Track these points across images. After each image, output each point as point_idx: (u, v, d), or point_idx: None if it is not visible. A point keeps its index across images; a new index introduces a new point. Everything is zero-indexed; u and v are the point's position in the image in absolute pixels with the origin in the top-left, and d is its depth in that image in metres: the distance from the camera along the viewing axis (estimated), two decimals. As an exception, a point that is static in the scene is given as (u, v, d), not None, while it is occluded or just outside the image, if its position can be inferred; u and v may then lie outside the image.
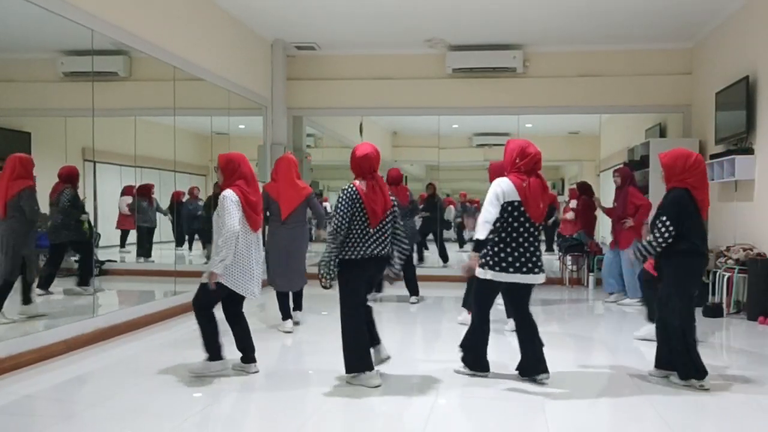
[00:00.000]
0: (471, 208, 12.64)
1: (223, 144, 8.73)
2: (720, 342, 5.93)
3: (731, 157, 7.20)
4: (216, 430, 3.52)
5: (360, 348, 4.19)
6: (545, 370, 4.27)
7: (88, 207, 6.49)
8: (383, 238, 4.21)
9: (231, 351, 4.59)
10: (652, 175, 8.38)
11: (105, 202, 7.31)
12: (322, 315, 6.75)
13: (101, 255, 7.29)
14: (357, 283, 4.20)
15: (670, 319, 4.20)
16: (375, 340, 4.38)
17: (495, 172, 4.83)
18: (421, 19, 8.28)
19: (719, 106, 7.87)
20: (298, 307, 6.26)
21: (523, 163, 4.20)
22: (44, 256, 6.08)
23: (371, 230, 4.14)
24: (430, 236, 10.94)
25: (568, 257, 9.24)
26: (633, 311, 7.01)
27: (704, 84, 8.68)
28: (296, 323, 6.12)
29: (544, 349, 4.32)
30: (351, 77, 9.92)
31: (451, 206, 13.27)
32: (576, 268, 9.29)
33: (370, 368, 4.18)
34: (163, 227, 8.60)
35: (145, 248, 8.37)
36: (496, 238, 4.18)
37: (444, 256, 10.74)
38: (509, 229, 4.17)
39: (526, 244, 4.19)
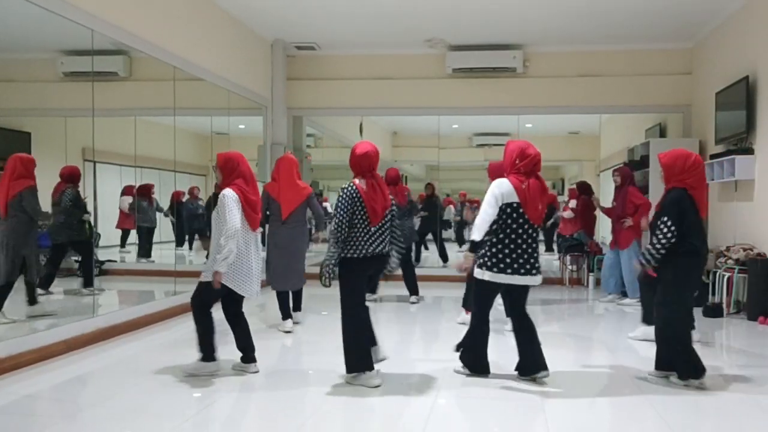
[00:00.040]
0: (471, 207, 12.63)
1: (223, 144, 8.73)
2: (720, 342, 5.94)
3: (731, 157, 7.20)
4: (216, 430, 3.52)
5: (360, 348, 4.19)
6: (544, 368, 4.27)
7: (88, 207, 6.50)
8: (384, 236, 4.23)
9: (231, 351, 4.59)
10: (652, 175, 8.38)
11: (105, 202, 7.32)
12: (322, 315, 6.75)
13: (101, 255, 7.29)
14: (357, 283, 4.20)
15: (669, 320, 4.20)
16: (372, 341, 4.38)
17: (494, 172, 4.84)
18: (421, 19, 8.28)
19: (719, 106, 7.87)
20: (297, 307, 6.27)
21: (523, 164, 4.20)
22: (44, 257, 6.07)
23: (372, 229, 4.15)
24: (430, 236, 10.94)
25: (568, 257, 9.24)
26: (632, 311, 7.01)
27: (704, 84, 8.68)
28: (296, 323, 6.13)
29: (544, 350, 4.32)
30: (351, 77, 9.92)
31: (451, 206, 13.27)
32: (576, 268, 9.29)
33: (371, 368, 4.18)
34: (163, 227, 8.60)
35: (145, 248, 8.37)
36: (495, 240, 4.18)
37: (444, 256, 10.74)
38: (508, 230, 4.17)
39: (524, 246, 4.19)
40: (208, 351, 4.39)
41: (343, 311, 4.21)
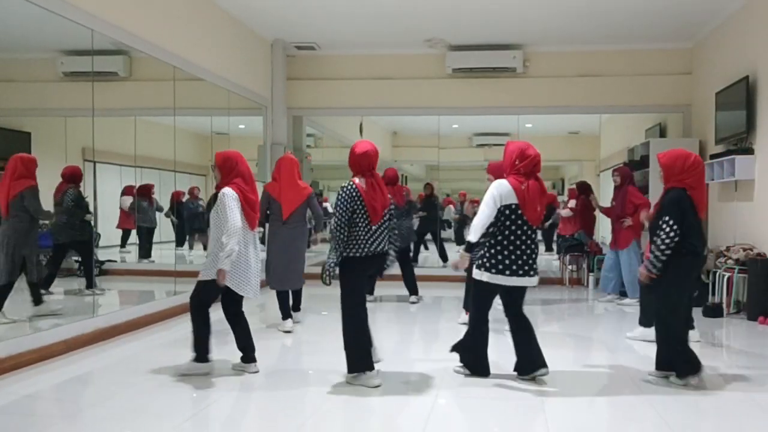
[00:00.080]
0: (472, 205, 12.63)
1: (224, 144, 8.73)
2: (720, 342, 5.94)
3: (731, 157, 7.20)
4: (216, 430, 3.52)
5: (361, 348, 4.19)
6: (544, 365, 4.27)
7: (89, 207, 6.50)
8: (384, 235, 4.25)
9: (231, 351, 4.59)
10: (652, 175, 8.38)
11: (105, 202, 7.32)
12: (322, 315, 6.75)
13: (101, 255, 7.29)
14: (357, 282, 4.21)
15: (668, 320, 4.21)
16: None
17: (494, 172, 4.83)
18: (421, 19, 8.28)
19: (719, 106, 7.87)
20: (296, 307, 6.28)
21: (523, 165, 4.20)
22: (44, 257, 6.07)
23: (373, 228, 4.15)
24: (429, 236, 10.93)
25: (568, 257, 9.24)
26: (632, 311, 7.00)
27: (704, 84, 8.68)
28: (296, 322, 6.13)
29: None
30: (351, 77, 9.92)
31: (451, 206, 13.27)
32: (576, 268, 9.29)
33: (371, 368, 4.18)
34: (164, 227, 8.60)
35: (145, 248, 8.37)
36: (494, 241, 4.18)
37: (443, 256, 10.74)
38: (506, 232, 4.17)
39: (523, 247, 4.19)
40: (201, 352, 4.39)
41: (344, 311, 4.21)
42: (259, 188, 6.98)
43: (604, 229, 9.11)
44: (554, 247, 10.96)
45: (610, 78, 9.39)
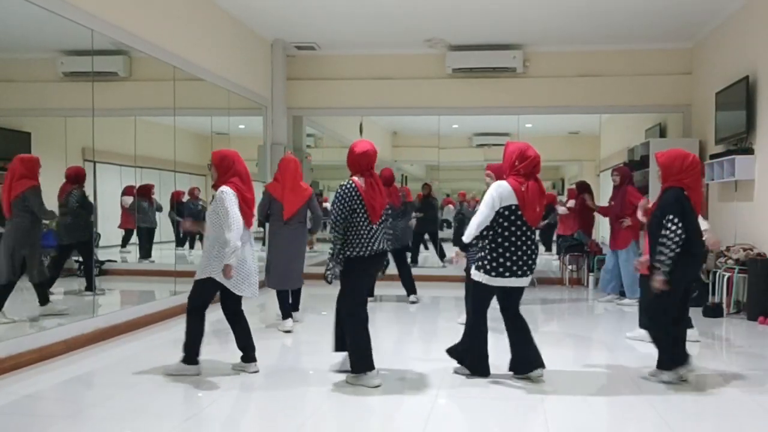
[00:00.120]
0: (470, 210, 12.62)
1: (224, 144, 8.72)
2: (720, 342, 5.94)
3: (731, 157, 7.20)
4: (216, 430, 3.52)
5: (361, 348, 4.19)
6: (541, 365, 4.28)
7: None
8: (382, 234, 4.27)
9: (231, 350, 4.59)
10: (652, 175, 8.38)
11: (105, 202, 7.31)
12: (322, 315, 6.75)
13: (101, 255, 7.29)
14: (358, 282, 4.21)
15: (658, 316, 4.24)
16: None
17: (494, 172, 4.81)
18: (421, 19, 8.28)
19: (719, 106, 7.87)
20: (295, 307, 6.28)
21: (523, 166, 4.20)
22: (46, 257, 6.07)
23: (374, 227, 4.16)
24: (427, 236, 10.91)
25: (568, 257, 9.24)
26: (631, 311, 7.00)
27: (704, 84, 8.68)
28: (295, 322, 6.13)
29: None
30: (351, 77, 9.92)
31: (450, 205, 13.25)
32: (576, 268, 9.29)
33: (371, 368, 4.18)
34: (164, 227, 8.60)
35: (145, 248, 8.37)
36: (494, 244, 4.18)
37: (442, 256, 10.72)
38: (506, 233, 4.17)
39: (524, 248, 4.19)
40: (191, 354, 4.38)
41: (345, 312, 4.21)
42: (259, 188, 6.99)
43: (604, 229, 9.11)
44: (554, 247, 10.95)
45: (610, 78, 9.40)
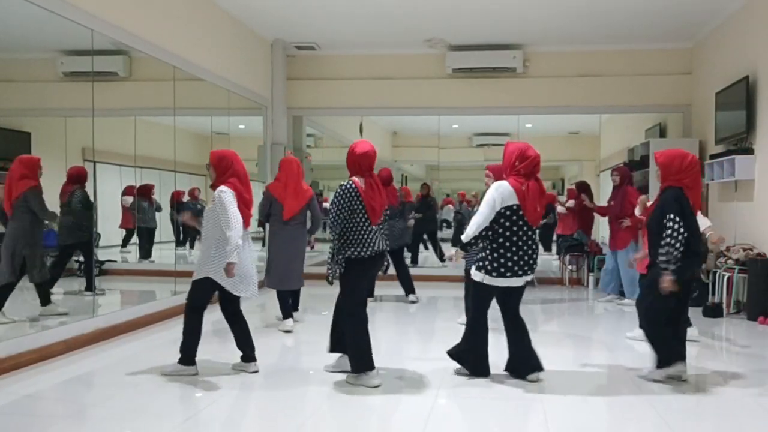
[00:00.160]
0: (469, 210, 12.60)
1: (224, 144, 8.72)
2: (720, 342, 5.93)
3: (731, 157, 7.20)
4: (216, 430, 3.52)
5: (361, 348, 4.19)
6: (539, 368, 4.28)
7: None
8: (381, 234, 4.26)
9: (231, 350, 4.59)
10: (652, 175, 8.37)
11: (105, 202, 7.31)
12: (322, 315, 6.75)
13: (101, 255, 7.29)
14: (358, 283, 4.21)
15: (653, 314, 4.25)
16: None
17: (494, 172, 4.80)
18: (421, 19, 8.28)
19: (719, 106, 7.87)
20: (294, 307, 6.28)
21: (523, 166, 4.20)
22: (48, 256, 6.06)
23: (374, 227, 4.16)
24: (426, 236, 10.90)
25: (568, 257, 9.24)
26: (632, 311, 6.99)
27: (704, 84, 8.68)
28: (295, 322, 6.14)
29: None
30: (351, 77, 9.92)
31: (450, 205, 13.24)
32: (576, 268, 9.28)
33: (371, 368, 4.19)
34: (164, 227, 8.59)
35: (145, 248, 8.37)
36: (495, 245, 4.18)
37: (441, 256, 10.70)
38: (507, 233, 4.17)
39: (525, 248, 4.19)
40: (188, 354, 4.38)
41: (345, 311, 4.21)
42: (258, 188, 7.00)
43: (604, 229, 9.11)
44: (554, 247, 10.94)
45: (610, 78, 9.40)
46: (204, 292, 4.34)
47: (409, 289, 7.70)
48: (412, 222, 8.46)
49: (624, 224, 7.13)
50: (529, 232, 4.22)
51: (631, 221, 7.05)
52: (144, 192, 8.04)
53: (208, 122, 8.75)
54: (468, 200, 12.31)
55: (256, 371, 4.49)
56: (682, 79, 9.26)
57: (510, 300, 4.36)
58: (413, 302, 7.63)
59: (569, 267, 9.29)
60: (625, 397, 4.07)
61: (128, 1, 6.05)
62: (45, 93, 6.40)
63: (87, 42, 5.55)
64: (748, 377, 4.50)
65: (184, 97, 7.33)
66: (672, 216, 4.09)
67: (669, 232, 4.07)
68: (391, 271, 7.40)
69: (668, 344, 4.28)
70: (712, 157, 7.80)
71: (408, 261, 10.07)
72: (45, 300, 5.61)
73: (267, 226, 6.59)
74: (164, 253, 8.55)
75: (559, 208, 9.40)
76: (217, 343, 5.32)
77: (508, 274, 4.17)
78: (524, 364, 4.31)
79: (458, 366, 4.48)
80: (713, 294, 6.95)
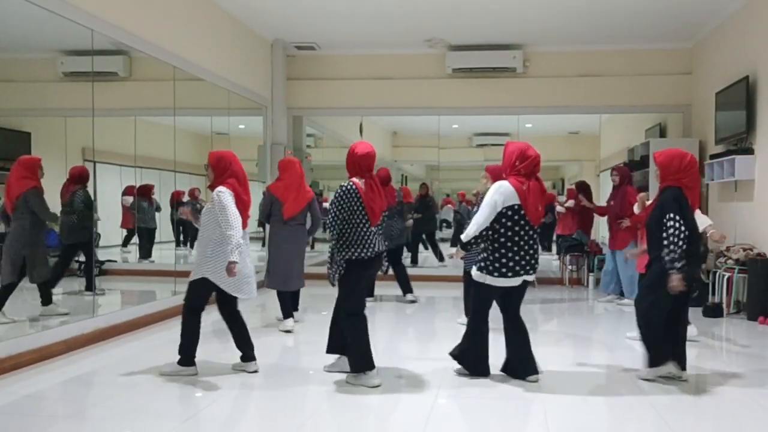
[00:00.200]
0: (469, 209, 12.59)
1: (224, 144, 8.73)
2: (720, 342, 5.93)
3: (731, 157, 7.20)
4: (216, 430, 3.52)
5: (361, 348, 4.19)
6: (535, 371, 4.29)
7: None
8: (380, 235, 4.26)
9: (231, 350, 4.59)
10: (652, 175, 8.36)
11: (105, 202, 7.31)
12: (322, 315, 6.75)
13: (101, 255, 7.29)
14: (357, 284, 4.22)
15: (648, 312, 4.27)
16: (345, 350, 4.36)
17: (493, 175, 4.79)
18: (421, 19, 8.28)
19: (719, 106, 7.87)
20: (294, 306, 6.28)
21: (523, 166, 4.20)
22: (49, 256, 6.06)
23: (373, 229, 4.16)
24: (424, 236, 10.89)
25: (568, 257, 9.24)
26: (631, 311, 6.98)
27: (704, 84, 8.68)
28: (295, 321, 6.14)
29: (544, 349, 4.32)
30: (351, 77, 9.92)
31: (449, 205, 13.24)
32: (576, 268, 9.28)
33: (371, 367, 4.19)
34: (164, 227, 8.59)
35: (145, 248, 8.37)
36: (496, 245, 4.18)
37: (439, 256, 10.71)
38: (509, 233, 4.17)
39: (526, 247, 4.19)
40: (188, 356, 4.37)
41: (344, 311, 4.22)
42: (257, 188, 6.99)
43: (604, 229, 9.11)
44: (554, 247, 10.94)
45: (610, 78, 9.40)
46: (201, 293, 4.33)
47: (407, 289, 7.70)
48: (410, 222, 8.45)
49: (623, 225, 7.12)
50: (531, 232, 4.22)
51: (630, 221, 7.04)
52: (144, 192, 8.04)
53: (208, 122, 8.75)
54: (468, 200, 12.31)
55: (256, 370, 4.49)
56: (682, 79, 9.26)
57: (511, 300, 4.36)
58: (411, 302, 7.63)
59: (569, 267, 9.29)
60: (625, 397, 4.07)
61: (128, 1, 6.06)
62: (45, 93, 6.40)
63: (87, 42, 5.55)
64: (748, 377, 4.50)
65: (184, 97, 7.33)
66: (672, 215, 4.09)
67: (671, 231, 4.07)
68: (391, 271, 7.46)
69: (659, 344, 4.28)
70: (712, 157, 7.80)
71: (408, 261, 10.09)
72: (46, 300, 5.62)
73: (267, 226, 6.58)
74: (164, 253, 8.55)
75: (558, 208, 9.41)
76: (217, 343, 5.32)
77: (510, 274, 4.17)
78: (523, 366, 4.31)
79: (458, 366, 4.48)
80: (713, 294, 6.95)
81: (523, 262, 4.18)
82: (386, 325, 6.51)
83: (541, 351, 4.46)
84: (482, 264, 4.23)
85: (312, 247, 6.61)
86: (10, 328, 5.22)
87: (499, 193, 4.15)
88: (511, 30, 8.74)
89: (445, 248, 11.17)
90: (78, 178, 6.22)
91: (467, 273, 5.58)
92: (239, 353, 4.53)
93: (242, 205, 4.30)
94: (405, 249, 9.14)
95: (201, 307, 4.37)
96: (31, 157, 5.54)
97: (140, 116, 7.73)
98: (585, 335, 6.12)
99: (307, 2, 7.74)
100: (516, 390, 4.15)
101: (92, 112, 5.67)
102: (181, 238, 9.14)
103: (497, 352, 4.48)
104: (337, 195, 4.12)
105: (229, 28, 8.22)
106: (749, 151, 7.11)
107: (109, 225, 7.70)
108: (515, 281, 4.21)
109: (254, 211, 5.29)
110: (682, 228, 4.06)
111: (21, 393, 4.06)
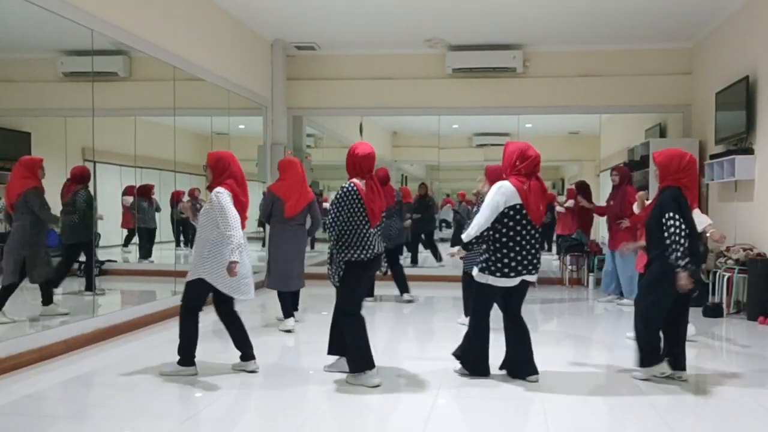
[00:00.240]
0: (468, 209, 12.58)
1: (224, 144, 8.73)
2: (720, 342, 5.93)
3: (731, 157, 7.20)
4: (216, 430, 3.52)
5: (361, 348, 4.19)
6: (535, 371, 4.29)
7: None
8: (379, 236, 4.27)
9: (231, 350, 4.59)
10: (652, 175, 8.35)
11: (105, 202, 7.31)
12: (322, 315, 6.75)
13: (101, 255, 7.29)
14: (357, 284, 4.22)
15: (647, 312, 4.27)
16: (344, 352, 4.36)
17: (492, 175, 4.79)
18: (421, 19, 8.28)
19: (719, 106, 7.87)
20: (294, 306, 6.28)
21: (524, 166, 4.20)
22: (50, 256, 6.07)
23: (372, 230, 4.16)
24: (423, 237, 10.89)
25: (568, 257, 9.24)
26: (631, 311, 6.98)
27: (704, 84, 8.68)
28: (296, 321, 6.14)
29: (544, 349, 4.32)
30: (351, 77, 9.92)
31: (449, 205, 13.23)
32: (576, 268, 9.28)
33: (371, 367, 4.19)
34: (164, 227, 8.59)
35: (145, 248, 8.37)
36: (498, 245, 4.18)
37: (437, 256, 10.70)
38: (511, 233, 4.16)
39: (528, 247, 4.19)
40: (188, 356, 4.37)
41: (342, 312, 4.22)
42: (257, 188, 6.99)
43: (604, 229, 9.11)
44: (554, 247, 10.94)
45: (610, 78, 9.40)
46: (198, 293, 4.33)
47: (404, 289, 7.70)
48: (408, 223, 8.45)
49: (623, 225, 7.12)
50: (533, 232, 4.22)
51: (630, 221, 7.03)
52: (144, 192, 8.04)
53: (208, 122, 8.75)
54: (468, 200, 12.30)
55: (256, 369, 4.48)
56: (682, 79, 9.26)
57: (511, 300, 4.36)
58: (409, 301, 7.63)
59: (569, 267, 9.29)
60: (625, 397, 4.07)
61: (128, 1, 6.06)
62: (45, 93, 6.40)
63: (87, 42, 5.55)
64: (748, 377, 4.50)
65: (184, 97, 7.34)
66: (671, 214, 4.09)
67: (672, 230, 4.07)
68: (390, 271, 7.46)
69: (653, 344, 4.28)
70: (712, 157, 7.80)
71: (408, 261, 10.09)
72: (47, 300, 5.62)
73: (267, 226, 6.58)
74: (164, 253, 8.55)
75: (558, 208, 9.41)
76: (216, 342, 5.31)
77: (512, 274, 4.17)
78: (523, 366, 4.31)
79: (459, 366, 4.48)
80: (713, 294, 6.95)
81: (525, 262, 4.18)
82: (386, 325, 6.51)
83: (541, 351, 4.46)
84: (484, 264, 4.22)
85: (312, 247, 6.60)
86: (10, 328, 5.22)
87: (501, 194, 4.15)
88: (511, 30, 8.74)
89: (444, 248, 11.17)
90: (80, 178, 6.23)
91: (466, 273, 5.58)
92: (239, 353, 4.53)
93: (240, 206, 4.30)
94: (405, 249, 9.14)
95: (198, 307, 4.37)
96: (32, 158, 5.55)
97: (140, 116, 7.73)
98: (585, 335, 6.12)
99: (307, 2, 7.74)
100: (516, 390, 4.15)
101: (92, 112, 5.67)
102: (181, 238, 9.14)
103: (498, 352, 4.48)
104: (338, 196, 4.12)
105: (229, 28, 8.22)
106: (749, 151, 7.11)
107: (109, 225, 7.70)
108: (517, 281, 4.21)
109: (253, 212, 5.29)
110: (683, 226, 4.06)
111: (21, 393, 4.06)
